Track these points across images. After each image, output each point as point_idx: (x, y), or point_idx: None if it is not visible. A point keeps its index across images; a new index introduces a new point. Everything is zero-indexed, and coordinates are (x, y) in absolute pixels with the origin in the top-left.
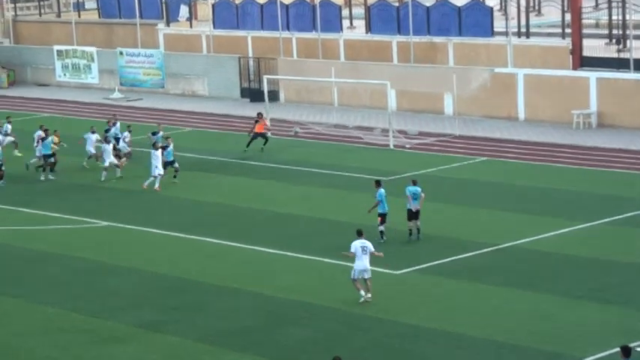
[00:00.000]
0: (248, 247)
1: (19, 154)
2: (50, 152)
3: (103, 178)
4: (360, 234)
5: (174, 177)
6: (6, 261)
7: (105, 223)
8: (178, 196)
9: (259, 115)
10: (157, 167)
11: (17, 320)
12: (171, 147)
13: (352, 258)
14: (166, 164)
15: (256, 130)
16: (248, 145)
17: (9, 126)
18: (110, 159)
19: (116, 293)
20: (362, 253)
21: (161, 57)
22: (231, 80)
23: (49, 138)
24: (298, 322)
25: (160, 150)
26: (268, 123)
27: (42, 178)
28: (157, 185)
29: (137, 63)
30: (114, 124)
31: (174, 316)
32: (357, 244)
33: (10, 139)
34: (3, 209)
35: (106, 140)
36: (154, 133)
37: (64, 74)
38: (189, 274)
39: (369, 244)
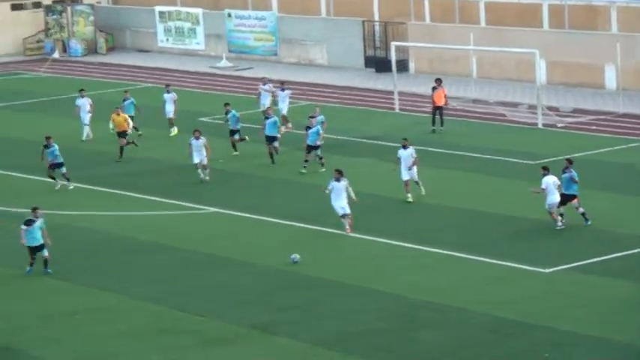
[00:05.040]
0: (372, 239)
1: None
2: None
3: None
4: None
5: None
6: (111, 252)
7: (213, 210)
8: (293, 180)
9: (438, 81)
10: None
11: (121, 318)
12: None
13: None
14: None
15: (435, 100)
16: (434, 123)
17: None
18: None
19: (225, 289)
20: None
21: (274, 20)
22: (353, 47)
23: None
24: (431, 326)
25: (342, 181)
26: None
27: None
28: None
29: (247, 27)
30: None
31: (287, 316)
32: (548, 180)
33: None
34: (107, 193)
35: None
36: (311, 118)
37: (167, 39)
38: (305, 269)
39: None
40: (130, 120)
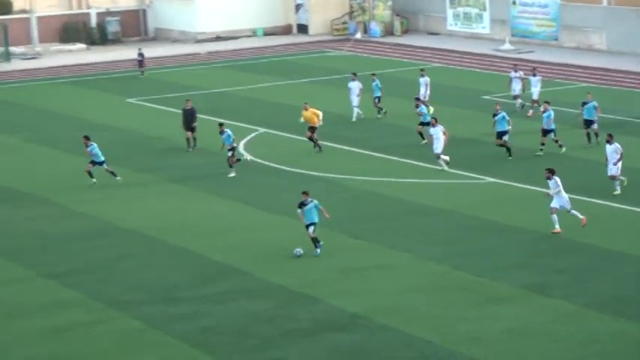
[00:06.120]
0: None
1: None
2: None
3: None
4: None
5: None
6: (400, 215)
7: (491, 180)
8: (569, 155)
9: None
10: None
11: (406, 275)
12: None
13: None
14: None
15: None
16: None
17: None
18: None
19: (501, 253)
20: None
21: (557, 8)
22: (632, 34)
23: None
24: None
25: (553, 179)
26: None
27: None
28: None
29: (530, 13)
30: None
31: (561, 279)
32: None
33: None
34: (397, 162)
35: None
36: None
37: (456, 23)
38: (579, 235)
39: None
40: (320, 114)
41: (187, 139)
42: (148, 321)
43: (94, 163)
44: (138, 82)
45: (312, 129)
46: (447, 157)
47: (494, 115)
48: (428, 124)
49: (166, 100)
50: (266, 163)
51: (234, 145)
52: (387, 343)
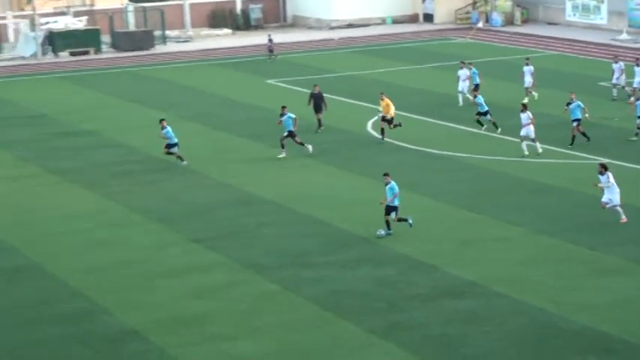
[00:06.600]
0: None
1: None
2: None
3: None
4: None
5: None
6: (514, 191)
7: (605, 161)
8: None
9: None
10: None
11: (521, 248)
12: None
13: None
14: None
15: None
16: None
17: (467, 71)
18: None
19: (613, 228)
20: None
21: None
22: None
23: None
24: None
25: (605, 175)
26: None
27: None
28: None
29: None
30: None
31: None
32: None
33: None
34: (509, 141)
35: None
36: None
37: (574, 14)
38: None
39: None
40: (392, 105)
41: (319, 120)
42: (283, 284)
43: (169, 146)
44: (277, 65)
45: (388, 120)
46: (540, 150)
47: (568, 103)
48: (485, 114)
49: (302, 81)
50: (392, 141)
51: (292, 129)
52: (501, 310)
